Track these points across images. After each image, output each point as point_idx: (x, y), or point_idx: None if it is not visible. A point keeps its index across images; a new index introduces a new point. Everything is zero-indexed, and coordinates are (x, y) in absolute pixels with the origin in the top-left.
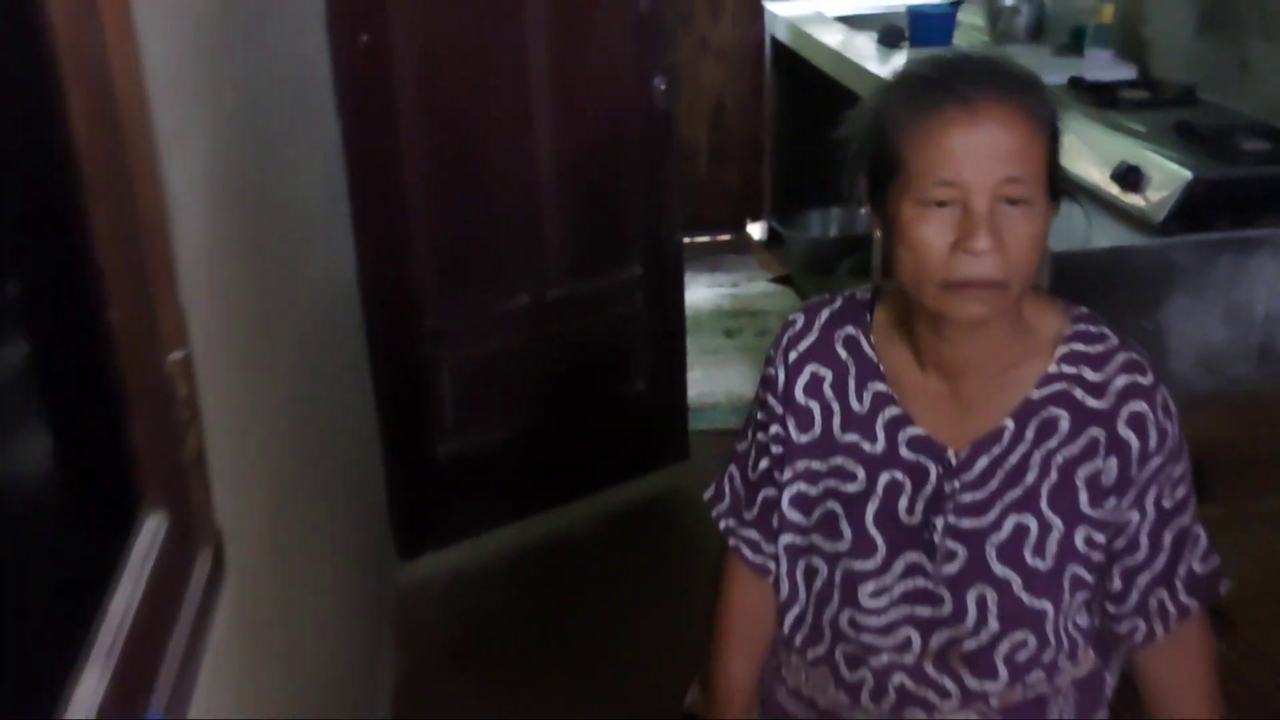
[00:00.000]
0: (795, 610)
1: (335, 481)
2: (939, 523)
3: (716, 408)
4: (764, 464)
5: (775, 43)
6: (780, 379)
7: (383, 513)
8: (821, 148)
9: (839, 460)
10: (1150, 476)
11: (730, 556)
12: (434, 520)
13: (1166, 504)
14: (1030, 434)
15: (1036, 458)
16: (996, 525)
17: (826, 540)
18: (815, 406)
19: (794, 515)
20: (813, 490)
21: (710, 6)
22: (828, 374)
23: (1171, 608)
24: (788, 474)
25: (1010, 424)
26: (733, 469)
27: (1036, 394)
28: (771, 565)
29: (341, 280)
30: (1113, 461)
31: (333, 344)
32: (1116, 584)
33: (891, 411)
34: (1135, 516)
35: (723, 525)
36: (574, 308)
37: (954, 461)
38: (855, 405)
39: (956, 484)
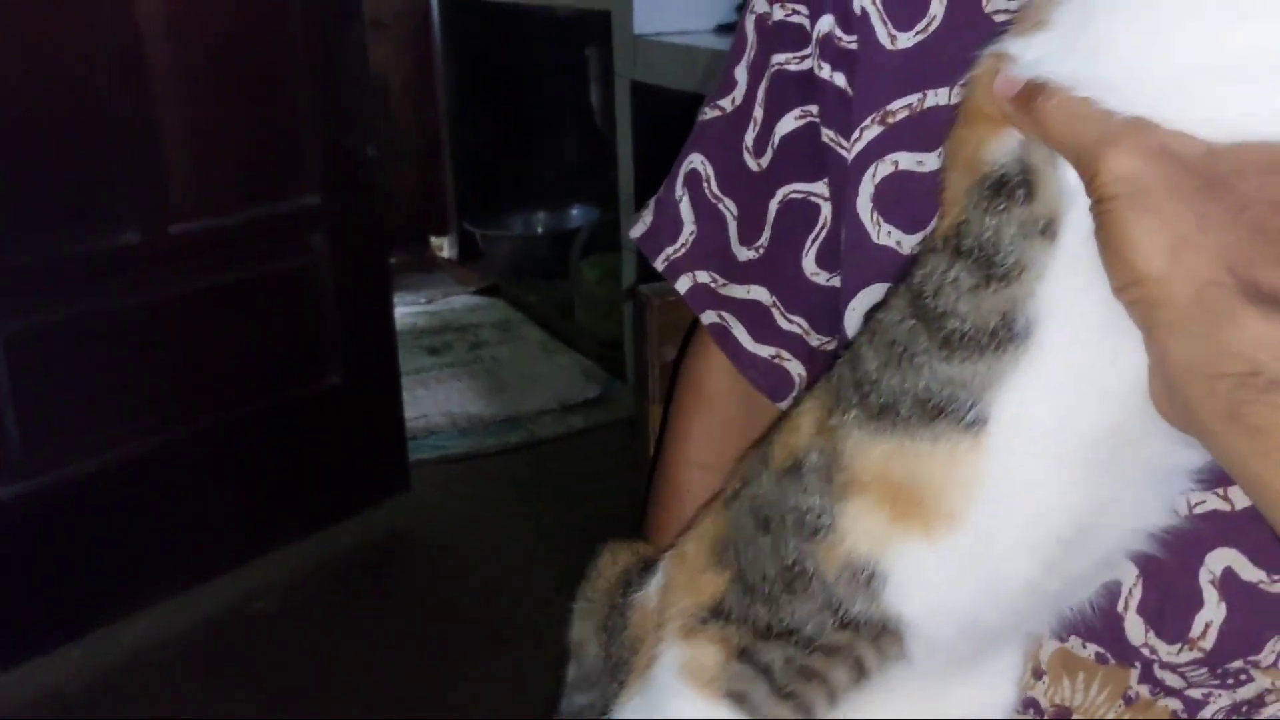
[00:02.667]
0: None
1: None
2: None
3: (438, 432)
4: (791, 125)
5: (446, 6)
6: None
7: None
8: (516, 136)
9: None
10: None
11: (703, 354)
12: None
13: None
14: None
15: None
16: None
17: None
18: None
19: (892, 235)
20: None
21: None
22: None
23: None
24: (868, 133)
25: None
26: (696, 162)
27: None
28: (794, 371)
29: None
30: None
31: None
32: None
33: None
34: None
35: (687, 283)
36: (217, 252)
37: None
38: None
39: None
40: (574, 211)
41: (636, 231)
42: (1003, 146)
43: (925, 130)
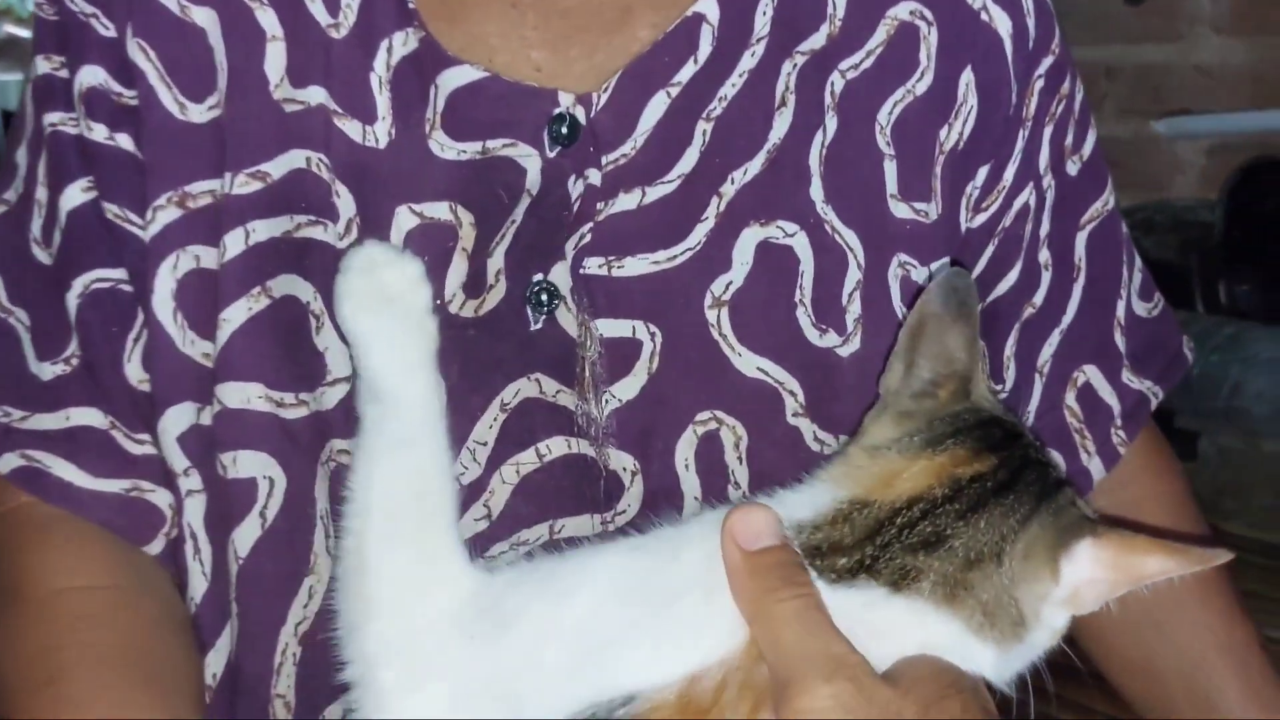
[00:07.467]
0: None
1: None
2: (566, 285)
3: None
4: (79, 199)
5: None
6: None
7: None
8: None
9: (285, 162)
10: (1042, 108)
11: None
12: None
13: (1072, 171)
14: (765, 25)
15: (786, 81)
16: (712, 262)
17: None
18: (209, 26)
19: (197, 346)
20: (224, 254)
21: None
22: None
23: (1115, 408)
24: (163, 214)
25: (713, 3)
26: None
27: None
28: (162, 503)
29: None
30: (960, 71)
31: None
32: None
33: (406, 43)
34: (1026, 199)
35: None
36: None
37: (586, 118)
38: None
39: (597, 176)
40: None
41: None
42: None
43: (228, 223)
